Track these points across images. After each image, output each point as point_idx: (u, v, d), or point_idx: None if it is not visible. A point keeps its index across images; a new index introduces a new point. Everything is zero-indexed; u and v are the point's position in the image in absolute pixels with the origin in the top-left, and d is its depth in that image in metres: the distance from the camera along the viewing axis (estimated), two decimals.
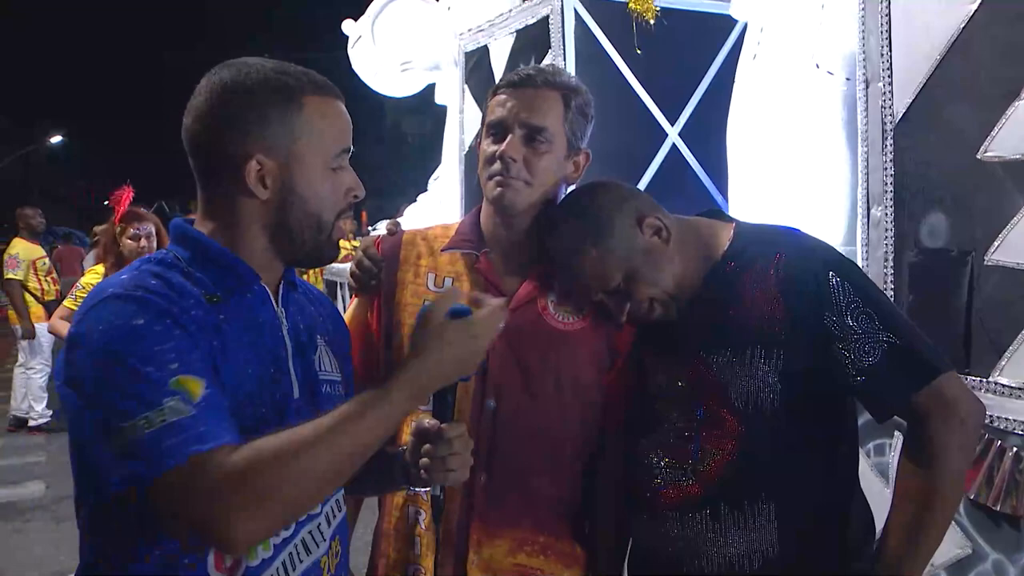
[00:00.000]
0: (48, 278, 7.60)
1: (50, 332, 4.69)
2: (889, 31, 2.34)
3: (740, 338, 1.51)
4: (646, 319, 1.60)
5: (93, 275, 4.59)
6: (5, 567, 4.42)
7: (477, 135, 1.72)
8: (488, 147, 1.65)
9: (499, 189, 1.62)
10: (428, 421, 1.34)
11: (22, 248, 7.50)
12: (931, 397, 1.43)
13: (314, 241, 1.28)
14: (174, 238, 1.27)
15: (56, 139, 30.26)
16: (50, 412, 7.41)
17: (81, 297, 4.41)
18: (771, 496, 1.50)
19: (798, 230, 1.64)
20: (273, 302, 1.30)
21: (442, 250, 1.72)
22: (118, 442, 1.04)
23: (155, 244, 4.37)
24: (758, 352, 1.50)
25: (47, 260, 7.73)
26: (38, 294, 7.43)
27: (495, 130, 1.65)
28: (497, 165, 1.61)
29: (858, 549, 1.57)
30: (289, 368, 1.28)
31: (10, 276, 7.32)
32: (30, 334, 7.26)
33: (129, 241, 4.33)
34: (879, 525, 1.56)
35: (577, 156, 1.70)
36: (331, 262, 1.36)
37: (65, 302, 4.73)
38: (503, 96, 1.65)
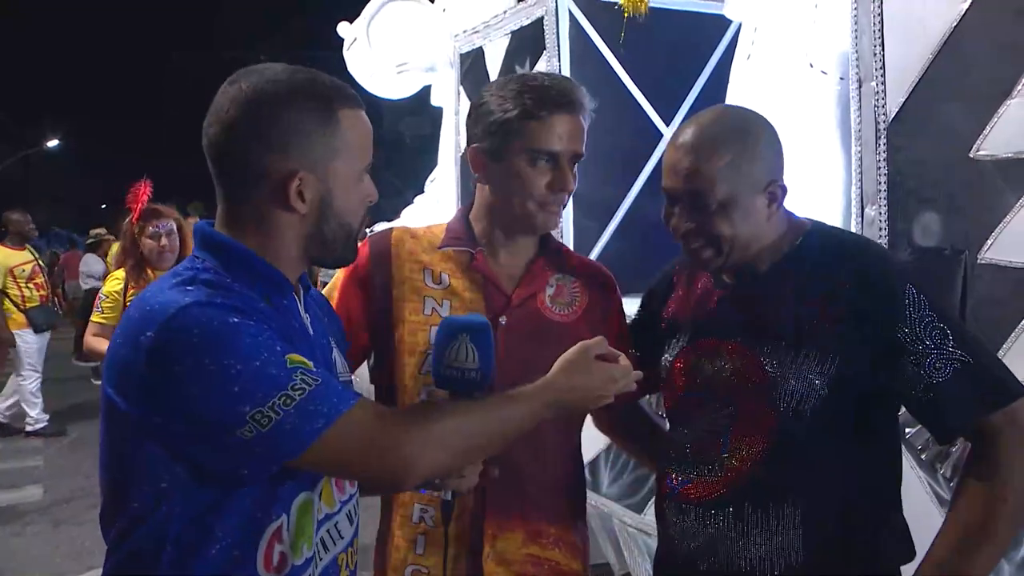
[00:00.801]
0: (30, 284, 7.25)
1: (86, 350, 4.26)
2: (882, 31, 2.35)
3: (796, 336, 1.49)
4: (692, 249, 1.56)
5: (115, 281, 4.23)
6: (4, 571, 4.41)
7: (475, 138, 1.72)
8: (539, 176, 1.63)
9: (554, 217, 1.68)
10: None
11: (1, 254, 7.23)
12: (1006, 419, 1.38)
13: (343, 247, 1.32)
14: (203, 245, 1.26)
15: (54, 142, 30.26)
16: (46, 417, 7.40)
17: (108, 308, 4.12)
18: (798, 501, 1.47)
19: (874, 242, 1.62)
20: (300, 308, 1.33)
21: (438, 248, 1.74)
22: (250, 430, 1.08)
23: (177, 243, 4.13)
24: (812, 354, 1.47)
25: (30, 266, 7.33)
26: (18, 301, 7.15)
27: (550, 161, 1.63)
28: (560, 197, 1.66)
29: (892, 569, 1.53)
30: None
31: None
32: (9, 342, 7.10)
33: (149, 240, 4.08)
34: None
35: None
36: (352, 262, 1.42)
37: (93, 317, 4.23)
38: (555, 124, 1.62)
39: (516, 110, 1.61)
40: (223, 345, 1.09)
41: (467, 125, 1.73)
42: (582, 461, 1.85)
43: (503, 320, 1.68)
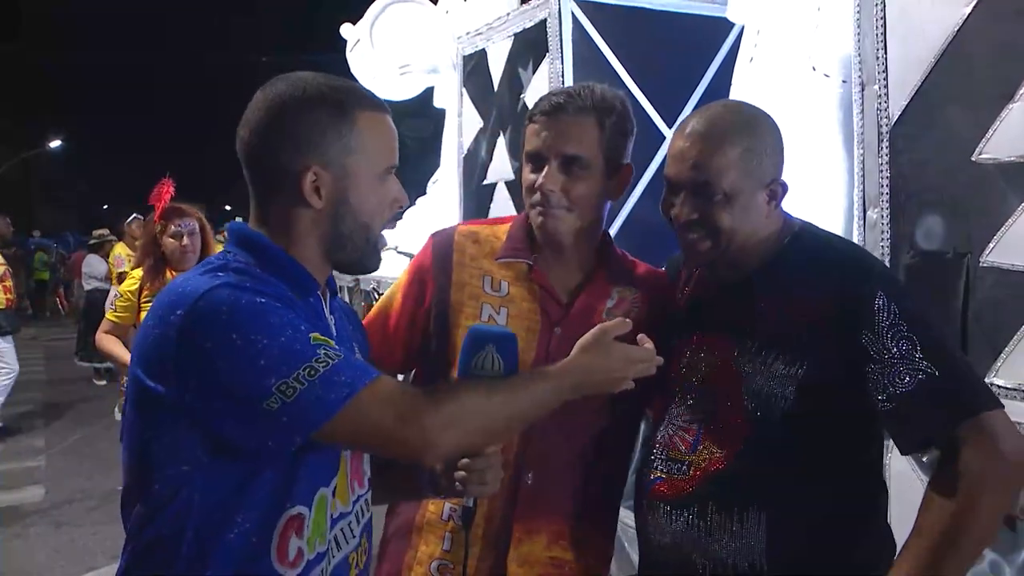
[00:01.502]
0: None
1: (97, 347, 4.22)
2: (884, 34, 2.35)
3: (768, 336, 1.49)
4: (690, 240, 1.56)
5: (131, 281, 4.17)
6: (5, 572, 4.42)
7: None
8: (527, 176, 1.68)
9: (541, 218, 1.67)
10: None
11: None
12: (971, 432, 1.35)
13: (363, 249, 1.35)
14: (237, 242, 1.32)
15: (56, 142, 30.29)
16: None
17: (122, 308, 4.10)
18: (764, 507, 1.46)
19: (859, 247, 1.61)
20: (325, 310, 1.37)
21: (496, 259, 1.74)
22: (276, 400, 1.13)
23: (199, 243, 4.06)
24: (782, 356, 1.46)
25: (1, 269, 7.31)
26: None
27: (533, 160, 1.67)
28: (537, 196, 1.66)
29: None
30: None
31: None
32: None
33: (171, 240, 3.99)
34: None
35: (620, 173, 1.72)
36: (375, 270, 1.42)
37: (108, 315, 4.19)
38: (537, 125, 1.67)
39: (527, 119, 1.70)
40: (250, 322, 1.15)
41: None
42: (623, 473, 1.83)
43: (558, 330, 1.67)
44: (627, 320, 1.43)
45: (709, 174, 1.50)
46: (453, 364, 1.64)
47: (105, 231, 11.11)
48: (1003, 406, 1.39)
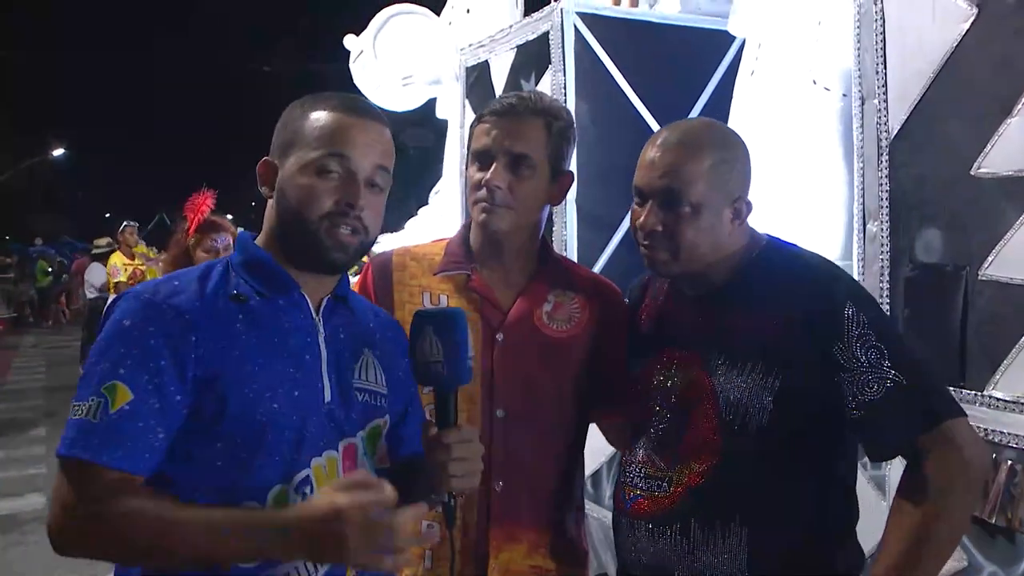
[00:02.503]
0: None
1: None
2: (884, 48, 2.37)
3: (743, 348, 1.50)
4: (649, 249, 1.57)
5: None
6: None
7: (464, 159, 1.75)
8: (474, 174, 1.71)
9: (484, 215, 1.69)
10: (431, 429, 1.33)
11: None
12: (936, 440, 1.38)
13: (305, 243, 1.33)
14: (236, 244, 1.43)
15: (59, 151, 30.36)
16: None
17: None
18: (745, 521, 1.47)
19: (827, 259, 1.62)
20: (312, 311, 1.37)
21: (434, 273, 1.76)
22: (71, 412, 1.20)
23: None
24: (758, 367, 1.48)
25: None
26: None
27: (480, 158, 1.70)
28: (483, 192, 1.68)
29: None
30: (322, 373, 1.34)
31: None
32: None
33: (204, 254, 3.78)
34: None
35: (561, 178, 1.76)
36: (330, 271, 1.39)
37: None
38: (487, 125, 1.71)
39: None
40: (101, 338, 1.25)
41: None
42: (583, 473, 1.87)
43: (500, 337, 1.70)
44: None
45: (679, 183, 1.51)
46: None
47: (107, 240, 11.12)
48: (966, 415, 1.44)
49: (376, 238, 1.40)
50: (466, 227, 1.80)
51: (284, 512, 1.20)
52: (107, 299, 7.23)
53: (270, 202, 1.38)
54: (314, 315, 1.37)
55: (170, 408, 1.21)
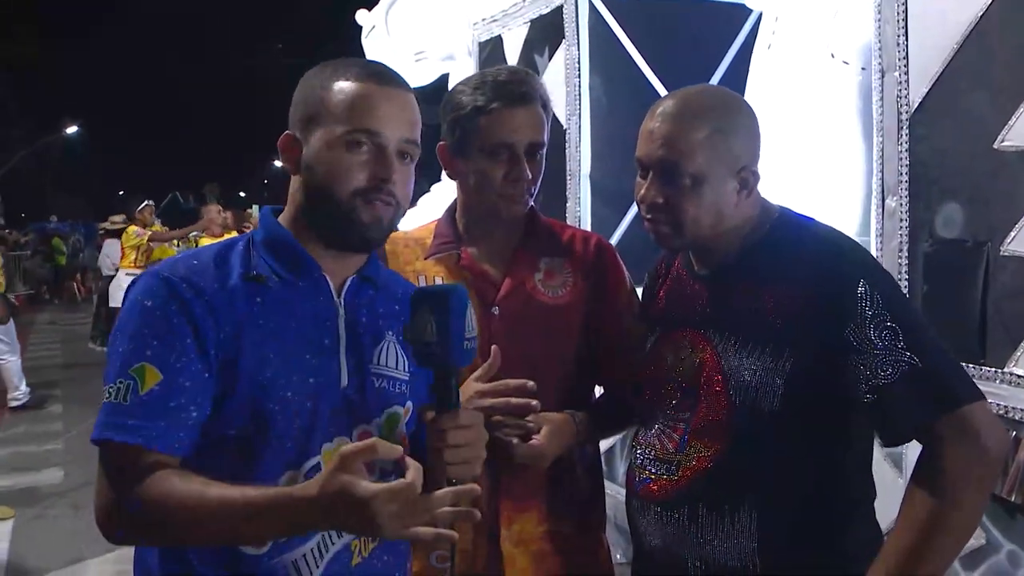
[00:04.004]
0: None
1: None
2: (905, 20, 2.33)
3: (753, 329, 1.45)
4: (652, 222, 1.52)
5: None
6: (25, 554, 4.47)
7: (443, 134, 1.72)
8: (498, 168, 1.66)
9: (516, 207, 1.69)
10: (428, 413, 1.29)
11: None
12: (952, 425, 1.31)
13: (334, 221, 1.30)
14: (259, 221, 1.39)
15: (73, 128, 30.40)
16: (28, 390, 7.76)
17: None
18: (755, 506, 1.43)
19: (840, 232, 1.54)
20: (333, 293, 1.34)
21: (425, 257, 1.76)
22: (105, 394, 1.20)
23: None
24: (768, 349, 1.42)
25: None
26: None
27: (507, 152, 1.66)
28: (519, 187, 1.67)
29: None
30: (340, 357, 1.32)
31: None
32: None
33: None
34: None
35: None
36: (360, 248, 1.36)
37: None
38: (507, 116, 1.65)
39: (470, 106, 1.66)
40: (123, 319, 1.23)
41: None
42: (598, 444, 1.86)
43: (495, 310, 1.70)
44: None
45: (676, 155, 1.45)
46: None
47: (121, 217, 11.16)
48: (985, 398, 1.36)
49: (406, 211, 1.35)
50: (452, 207, 1.81)
51: (311, 491, 1.09)
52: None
53: (295, 178, 1.34)
54: (335, 297, 1.34)
55: (200, 386, 1.20)
